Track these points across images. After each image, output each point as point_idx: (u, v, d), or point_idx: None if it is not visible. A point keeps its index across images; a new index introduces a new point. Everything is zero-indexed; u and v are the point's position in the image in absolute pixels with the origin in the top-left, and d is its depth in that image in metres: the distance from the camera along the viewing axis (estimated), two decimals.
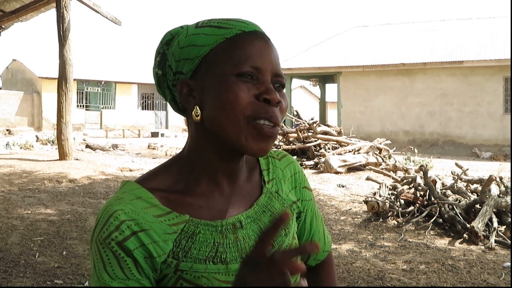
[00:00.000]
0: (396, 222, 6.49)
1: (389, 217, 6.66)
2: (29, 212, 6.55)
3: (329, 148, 12.74)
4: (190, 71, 0.97)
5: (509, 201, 6.14)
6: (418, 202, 6.69)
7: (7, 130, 25.21)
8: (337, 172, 11.07)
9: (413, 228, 6.21)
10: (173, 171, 1.02)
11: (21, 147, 15.41)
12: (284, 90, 1.00)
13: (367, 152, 12.38)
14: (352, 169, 11.58)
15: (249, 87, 0.93)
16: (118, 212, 0.91)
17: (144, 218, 0.92)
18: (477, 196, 6.48)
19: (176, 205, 0.97)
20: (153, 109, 33.06)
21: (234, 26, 0.97)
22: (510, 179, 7.33)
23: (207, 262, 0.94)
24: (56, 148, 13.02)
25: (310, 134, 12.85)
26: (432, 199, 6.57)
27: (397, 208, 6.62)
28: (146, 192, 0.96)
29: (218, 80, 0.94)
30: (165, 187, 0.99)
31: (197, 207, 0.98)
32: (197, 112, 0.96)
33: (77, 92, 28.95)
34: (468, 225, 5.76)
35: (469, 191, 7.07)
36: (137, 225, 0.91)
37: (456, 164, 8.32)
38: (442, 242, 5.70)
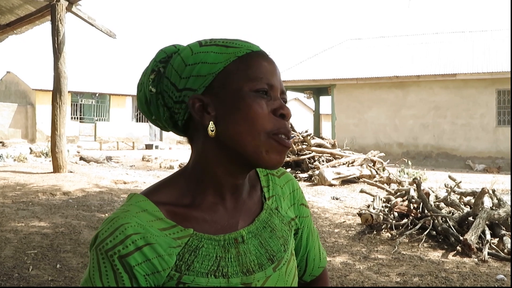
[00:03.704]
0: (389, 235, 6.50)
1: (383, 230, 6.68)
2: (23, 225, 6.52)
3: (323, 161, 12.76)
4: (202, 87, 0.99)
5: (501, 213, 6.17)
6: (412, 214, 6.71)
7: (0, 142, 25.13)
8: (331, 185, 11.09)
9: (407, 240, 6.22)
10: (178, 185, 1.03)
11: (14, 160, 15.35)
12: (287, 101, 1.06)
13: (361, 165, 12.41)
14: (346, 181, 11.60)
15: (266, 103, 0.98)
16: (125, 226, 0.92)
17: (150, 232, 0.94)
18: (470, 209, 6.51)
19: (181, 218, 0.99)
20: (147, 121, 33.05)
21: (241, 45, 1.01)
22: (506, 191, 7.36)
23: (209, 275, 0.96)
24: (50, 161, 12.98)
25: (304, 146, 12.88)
26: (426, 211, 6.60)
27: (391, 220, 6.64)
28: (151, 205, 0.98)
29: (237, 97, 0.97)
30: (170, 201, 1.00)
31: (201, 221, 1.00)
32: (212, 128, 0.98)
33: (72, 104, 28.96)
34: (461, 238, 5.79)
35: (462, 203, 7.10)
36: (143, 239, 0.93)
37: (450, 177, 8.36)
38: (436, 255, 5.72)
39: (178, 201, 1.01)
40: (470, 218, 6.29)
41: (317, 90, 24.90)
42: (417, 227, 6.35)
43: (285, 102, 1.03)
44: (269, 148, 0.97)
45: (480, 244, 5.78)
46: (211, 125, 0.98)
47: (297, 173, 12.37)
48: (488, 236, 5.80)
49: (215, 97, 0.99)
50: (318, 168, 11.87)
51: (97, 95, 30.59)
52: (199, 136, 1.02)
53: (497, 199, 6.73)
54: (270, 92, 0.99)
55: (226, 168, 1.01)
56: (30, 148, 18.99)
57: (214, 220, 1.02)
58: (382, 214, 6.78)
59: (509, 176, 14.65)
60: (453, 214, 6.67)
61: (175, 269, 0.95)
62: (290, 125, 1.01)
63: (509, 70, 18.12)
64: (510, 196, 7.00)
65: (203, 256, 0.97)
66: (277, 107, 0.99)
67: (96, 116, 30.89)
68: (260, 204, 1.12)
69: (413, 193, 7.18)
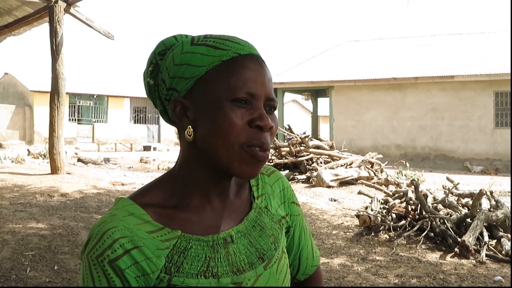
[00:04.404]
0: (387, 236, 6.50)
1: (381, 231, 6.68)
2: (20, 226, 6.51)
3: (321, 162, 12.77)
4: (184, 90, 0.99)
5: (499, 215, 6.18)
6: (410, 216, 6.71)
7: None
8: (329, 186, 11.09)
9: (405, 242, 6.23)
10: (165, 187, 1.03)
11: (12, 161, 15.34)
12: (277, 104, 1.02)
13: (359, 166, 12.42)
14: (344, 183, 11.61)
15: (243, 113, 0.95)
16: (112, 230, 0.92)
17: (137, 235, 0.93)
18: (468, 210, 6.52)
19: (168, 220, 0.98)
20: (145, 123, 33.05)
21: (230, 47, 0.98)
22: (504, 192, 7.37)
23: (199, 276, 0.96)
24: (47, 162, 12.98)
25: (302, 148, 12.88)
26: (424, 213, 6.60)
27: (389, 222, 6.65)
28: (138, 208, 0.97)
29: (213, 105, 0.95)
30: (157, 203, 1.00)
31: (189, 222, 1.00)
32: (189, 132, 0.98)
33: (69, 106, 28.93)
34: (459, 239, 5.79)
35: (460, 205, 7.10)
36: (131, 242, 0.92)
37: (447, 178, 8.37)
38: (434, 256, 5.72)
39: (165, 203, 1.00)
40: (468, 220, 6.30)
41: (315, 91, 24.93)
42: (415, 228, 6.36)
43: (274, 108, 1.01)
44: (242, 161, 0.95)
45: (478, 246, 5.78)
46: (189, 130, 0.98)
47: (295, 175, 12.37)
48: (486, 238, 5.81)
49: (195, 102, 0.98)
50: (316, 169, 11.87)
51: (95, 96, 30.55)
52: (183, 138, 1.02)
53: (495, 200, 6.74)
54: (251, 101, 0.96)
55: (208, 172, 1.01)
56: (28, 150, 18.98)
57: (202, 221, 1.01)
58: (380, 216, 6.78)
59: (507, 177, 14.68)
60: (451, 215, 6.68)
61: (165, 271, 0.94)
62: (273, 135, 0.97)
63: (506, 72, 18.17)
64: (510, 197, 7.00)
65: (192, 257, 0.97)
66: (255, 117, 0.95)
67: (94, 118, 30.85)
68: (249, 203, 1.11)
69: (411, 194, 7.18)
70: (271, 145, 1.00)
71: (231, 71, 0.96)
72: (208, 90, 0.96)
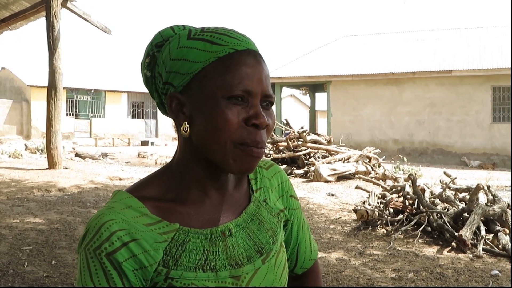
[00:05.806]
0: (385, 231, 6.52)
1: (378, 226, 6.70)
2: (18, 221, 6.51)
3: (319, 157, 12.76)
4: (180, 85, 0.98)
5: (496, 209, 6.19)
6: (407, 210, 6.73)
7: None
8: (326, 181, 11.09)
9: (402, 236, 6.24)
10: (163, 181, 1.03)
11: (9, 156, 15.31)
12: (274, 100, 1.01)
13: (357, 161, 12.43)
14: (341, 177, 11.61)
15: (239, 110, 0.94)
16: (110, 223, 0.91)
17: (135, 227, 0.93)
18: (465, 205, 6.53)
19: (166, 213, 0.98)
20: (143, 118, 32.98)
21: (227, 42, 0.97)
22: (501, 187, 7.38)
23: (197, 269, 0.96)
24: (45, 157, 12.96)
25: (300, 143, 12.87)
26: (421, 207, 6.62)
27: (386, 216, 6.66)
28: (136, 201, 0.97)
29: (209, 101, 0.95)
30: (155, 196, 1.00)
31: (187, 216, 1.00)
32: (185, 128, 0.98)
33: (67, 101, 28.86)
34: (456, 234, 5.81)
35: (457, 199, 7.12)
36: (128, 234, 0.92)
37: (445, 173, 8.38)
38: (431, 251, 5.73)
39: (163, 196, 1.00)
40: (465, 214, 6.32)
41: (313, 86, 24.90)
42: (412, 223, 6.37)
43: (271, 104, 1.00)
44: (236, 158, 0.95)
45: (475, 240, 5.80)
46: (185, 126, 0.98)
47: (293, 169, 12.37)
48: (483, 232, 5.83)
49: (191, 98, 0.97)
50: (313, 164, 11.87)
51: (92, 91, 30.46)
52: (180, 133, 1.01)
53: (492, 195, 6.75)
54: (247, 98, 0.95)
55: (205, 168, 1.01)
56: (25, 145, 18.92)
57: (200, 214, 1.01)
58: (377, 210, 6.80)
59: (504, 172, 14.72)
60: (448, 210, 6.69)
61: (163, 264, 0.94)
62: (269, 132, 0.96)
63: (504, 66, 18.18)
64: (507, 191, 7.01)
65: (190, 251, 0.96)
66: (251, 115, 0.94)
67: (92, 113, 30.77)
68: (248, 196, 1.11)
69: (408, 189, 7.20)
70: (267, 141, 1.00)
71: (227, 68, 0.95)
72: (204, 87, 0.96)
